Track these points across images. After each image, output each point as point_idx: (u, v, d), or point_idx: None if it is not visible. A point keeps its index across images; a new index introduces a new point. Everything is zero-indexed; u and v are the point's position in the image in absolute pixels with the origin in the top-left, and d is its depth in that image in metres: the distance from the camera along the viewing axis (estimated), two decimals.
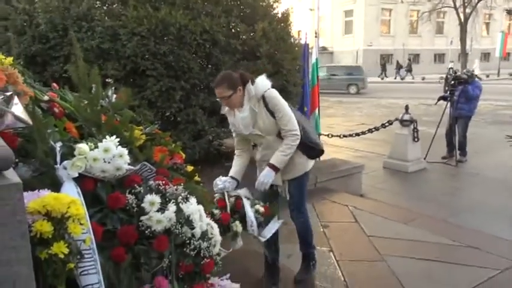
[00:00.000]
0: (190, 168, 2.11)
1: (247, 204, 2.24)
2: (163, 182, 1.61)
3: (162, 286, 1.43)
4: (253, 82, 2.48)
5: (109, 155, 1.44)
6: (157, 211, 1.48)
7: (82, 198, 1.31)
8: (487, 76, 26.72)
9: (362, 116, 12.57)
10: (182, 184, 1.69)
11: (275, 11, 5.29)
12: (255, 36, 4.75)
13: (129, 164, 1.51)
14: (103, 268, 1.27)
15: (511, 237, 3.75)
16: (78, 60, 1.83)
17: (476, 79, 6.79)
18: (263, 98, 2.48)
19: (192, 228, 1.56)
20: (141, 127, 2.08)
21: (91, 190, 1.44)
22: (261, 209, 2.31)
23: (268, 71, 4.65)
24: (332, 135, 6.82)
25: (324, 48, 33.00)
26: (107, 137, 1.51)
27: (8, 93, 1.25)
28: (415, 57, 35.13)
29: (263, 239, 2.29)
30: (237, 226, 2.06)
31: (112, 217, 1.43)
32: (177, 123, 4.46)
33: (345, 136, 6.96)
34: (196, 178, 2.11)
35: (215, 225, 1.74)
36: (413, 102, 13.49)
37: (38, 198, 1.14)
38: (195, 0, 4.49)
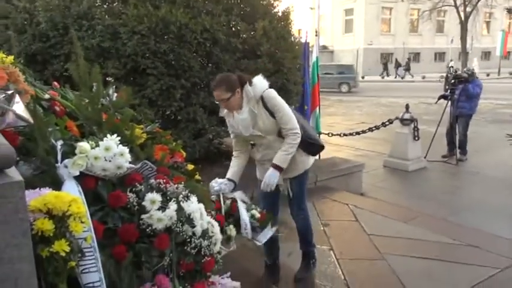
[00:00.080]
0: (190, 166, 2.11)
1: (242, 207, 2.22)
2: (164, 180, 1.61)
3: (163, 284, 1.43)
4: (251, 83, 2.47)
5: (110, 153, 1.45)
6: (158, 209, 1.48)
7: (83, 197, 1.32)
8: (488, 75, 26.70)
9: (362, 115, 12.57)
10: (183, 183, 1.69)
11: (275, 10, 5.29)
12: (256, 35, 4.75)
13: (130, 163, 1.52)
14: (104, 266, 1.28)
15: (511, 236, 3.76)
16: (79, 59, 1.82)
17: (477, 77, 6.79)
18: (262, 98, 2.47)
19: (193, 226, 1.57)
20: (141, 126, 2.08)
21: (92, 188, 1.44)
22: (257, 215, 2.29)
23: (268, 70, 4.66)
24: (332, 134, 6.83)
25: (324, 47, 32.97)
26: (108, 135, 1.51)
27: (9, 92, 1.25)
28: (415, 56, 35.12)
29: (259, 243, 2.29)
30: (231, 230, 2.03)
31: (113, 215, 1.43)
32: (178, 121, 4.46)
33: (345, 135, 6.96)
34: (197, 177, 2.10)
35: (216, 224, 1.75)
36: (414, 101, 13.48)
37: (39, 197, 1.14)
38: None
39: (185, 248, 1.54)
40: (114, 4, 4.55)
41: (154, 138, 2.08)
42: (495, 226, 4.08)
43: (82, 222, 1.18)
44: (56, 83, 2.14)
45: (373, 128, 6.68)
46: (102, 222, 1.38)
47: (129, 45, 4.10)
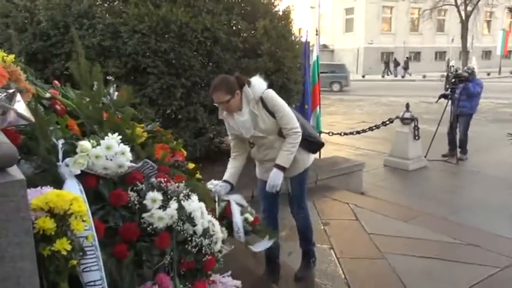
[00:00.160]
0: (191, 165, 2.11)
1: (236, 209, 2.21)
2: (165, 179, 1.61)
3: (164, 283, 1.43)
4: (249, 84, 2.46)
5: (111, 152, 1.45)
6: (159, 208, 1.48)
7: (84, 195, 1.32)
8: (488, 74, 26.66)
9: (363, 114, 12.56)
10: (184, 181, 1.69)
11: (276, 9, 5.29)
12: (256, 34, 4.75)
13: (131, 162, 1.52)
14: (105, 265, 1.28)
15: (511, 235, 3.76)
16: (80, 58, 1.82)
17: (477, 76, 6.79)
18: (261, 99, 2.47)
19: (194, 225, 1.57)
20: (142, 125, 2.08)
21: (93, 187, 1.44)
22: (250, 218, 2.28)
23: (269, 69, 4.66)
24: (333, 133, 6.83)
25: (324, 46, 32.93)
26: (109, 134, 1.51)
27: (11, 91, 1.25)
28: (416, 55, 35.09)
29: (254, 250, 2.27)
30: (223, 232, 2.04)
31: (114, 214, 1.43)
32: (178, 120, 4.46)
33: (345, 134, 6.96)
34: (198, 176, 2.10)
35: (216, 223, 1.75)
36: (414, 100, 13.47)
37: (40, 195, 1.14)
38: None
39: (186, 246, 1.54)
40: (115, 3, 4.55)
41: (155, 137, 2.08)
42: (495, 225, 4.08)
43: (83, 220, 1.18)
44: (56, 82, 2.14)
45: (374, 127, 6.68)
46: (103, 221, 1.38)
47: (129, 44, 4.10)
